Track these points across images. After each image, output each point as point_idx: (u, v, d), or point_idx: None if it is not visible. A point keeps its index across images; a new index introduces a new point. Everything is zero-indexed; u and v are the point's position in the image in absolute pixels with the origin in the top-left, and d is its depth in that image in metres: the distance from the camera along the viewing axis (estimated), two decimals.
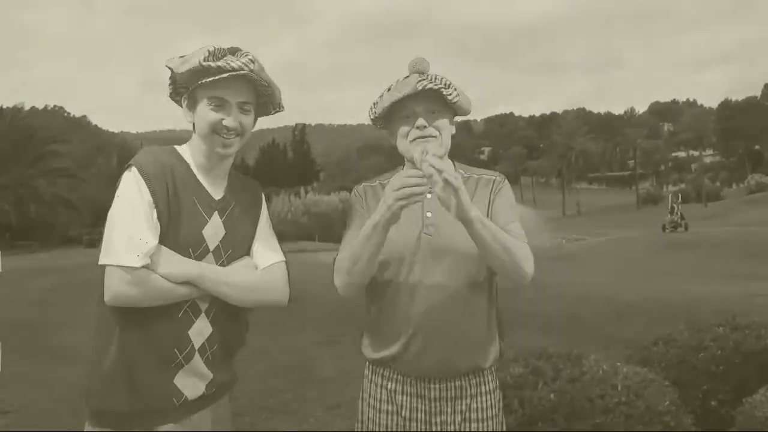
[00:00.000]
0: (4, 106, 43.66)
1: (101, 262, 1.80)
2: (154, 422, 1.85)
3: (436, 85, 2.03)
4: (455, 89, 2.07)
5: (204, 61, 1.83)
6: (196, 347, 1.89)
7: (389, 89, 2.10)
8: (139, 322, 1.82)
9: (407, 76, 2.09)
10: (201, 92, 1.89)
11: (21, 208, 37.35)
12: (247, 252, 2.01)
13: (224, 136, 1.89)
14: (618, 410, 2.97)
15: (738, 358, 3.79)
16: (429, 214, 2.06)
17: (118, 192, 1.84)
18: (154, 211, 1.81)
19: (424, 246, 2.05)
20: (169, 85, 1.95)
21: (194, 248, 1.87)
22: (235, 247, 1.96)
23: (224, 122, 1.88)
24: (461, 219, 1.88)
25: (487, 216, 2.05)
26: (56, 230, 41.42)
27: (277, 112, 2.04)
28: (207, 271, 1.87)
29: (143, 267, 1.77)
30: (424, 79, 2.04)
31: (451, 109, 2.11)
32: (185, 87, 1.92)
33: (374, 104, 2.14)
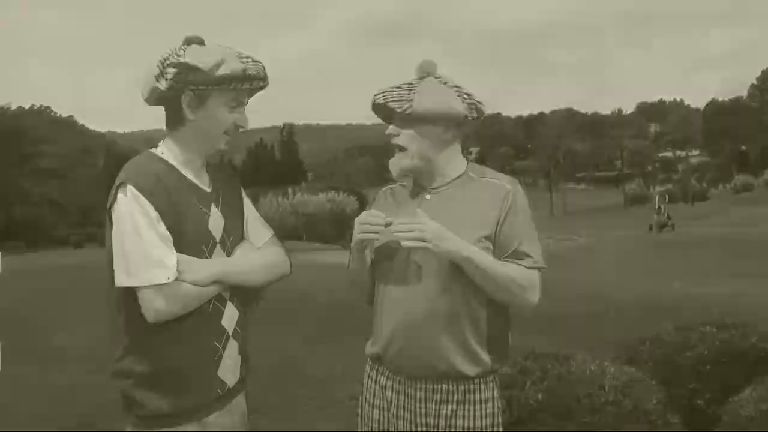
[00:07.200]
0: None
1: (126, 284, 1.81)
2: (202, 414, 1.92)
3: (384, 98, 2.04)
4: (409, 100, 2.00)
5: (247, 70, 1.86)
6: (230, 333, 1.96)
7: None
8: (175, 328, 1.86)
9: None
10: (221, 94, 1.89)
11: (7, 209, 37.14)
12: (242, 233, 2.08)
13: (231, 135, 1.95)
14: (605, 410, 2.99)
15: (724, 358, 3.81)
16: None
17: (119, 214, 1.81)
18: (161, 223, 1.82)
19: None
20: (170, 79, 1.83)
21: (206, 244, 1.92)
22: (235, 232, 2.03)
23: (238, 122, 1.94)
24: (453, 261, 1.94)
25: (496, 232, 2.03)
26: (43, 230, 41.19)
27: None
28: (228, 266, 1.94)
29: (173, 280, 1.81)
30: (382, 93, 2.05)
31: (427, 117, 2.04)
32: (194, 84, 1.84)
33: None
